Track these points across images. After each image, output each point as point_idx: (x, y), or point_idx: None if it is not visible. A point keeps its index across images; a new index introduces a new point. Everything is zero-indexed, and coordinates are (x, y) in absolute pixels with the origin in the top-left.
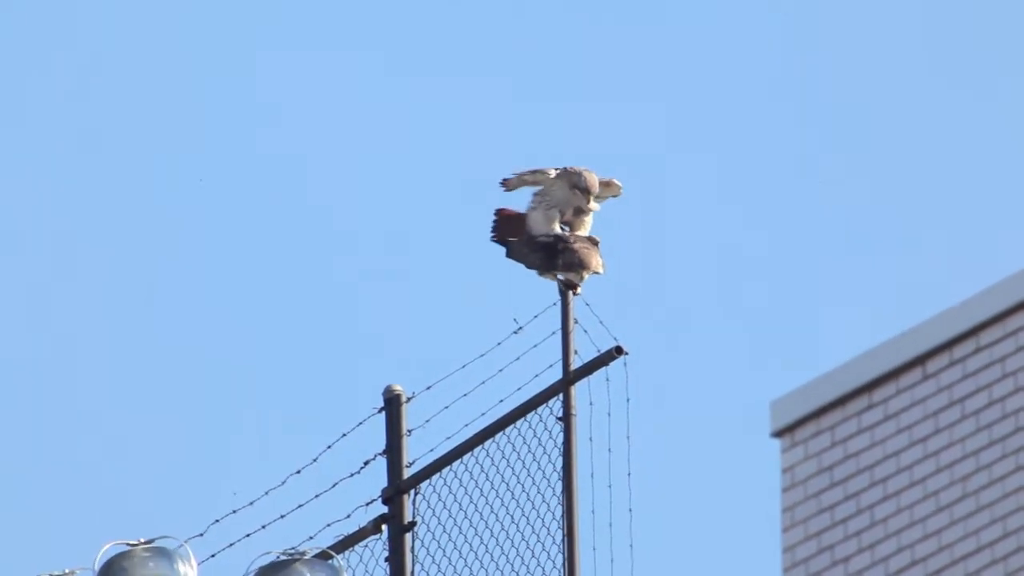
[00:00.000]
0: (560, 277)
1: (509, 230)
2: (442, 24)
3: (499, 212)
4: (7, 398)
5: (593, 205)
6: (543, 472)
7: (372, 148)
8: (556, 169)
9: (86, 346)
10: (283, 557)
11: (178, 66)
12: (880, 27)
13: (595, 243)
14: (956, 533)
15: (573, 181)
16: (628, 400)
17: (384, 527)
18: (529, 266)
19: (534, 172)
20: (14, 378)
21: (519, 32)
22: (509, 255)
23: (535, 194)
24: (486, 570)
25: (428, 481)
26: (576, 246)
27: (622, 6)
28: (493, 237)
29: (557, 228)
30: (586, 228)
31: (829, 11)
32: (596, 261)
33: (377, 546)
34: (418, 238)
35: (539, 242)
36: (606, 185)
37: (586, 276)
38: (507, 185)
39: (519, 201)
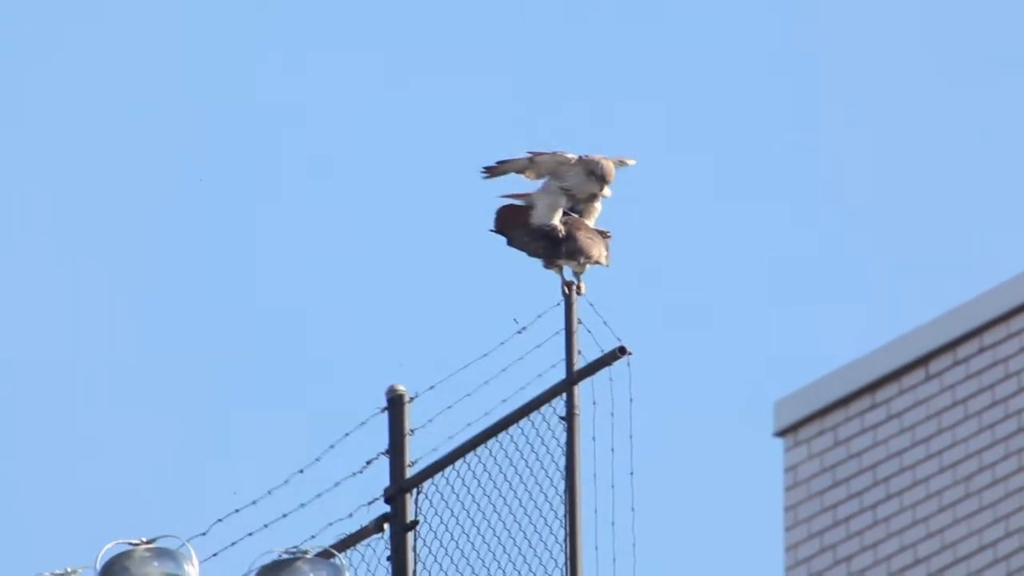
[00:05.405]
0: (563, 274)
1: (510, 222)
2: (442, 23)
3: (501, 207)
4: (8, 397)
5: (606, 191)
6: (546, 471)
7: (374, 146)
8: (575, 156)
9: (87, 344)
10: (285, 556)
11: (178, 66)
12: (882, 27)
13: (603, 235)
14: (959, 532)
15: (590, 167)
16: (631, 400)
17: (386, 526)
18: (532, 255)
19: (554, 154)
20: (15, 377)
21: (519, 31)
22: (510, 244)
23: (549, 179)
24: (488, 569)
25: (430, 480)
26: (579, 234)
27: (622, 6)
28: (493, 228)
29: (559, 217)
30: (596, 214)
31: (830, 11)
32: (599, 251)
33: (379, 545)
34: (421, 237)
35: (541, 231)
36: (619, 163)
37: (588, 265)
38: (530, 162)
39: (517, 187)
